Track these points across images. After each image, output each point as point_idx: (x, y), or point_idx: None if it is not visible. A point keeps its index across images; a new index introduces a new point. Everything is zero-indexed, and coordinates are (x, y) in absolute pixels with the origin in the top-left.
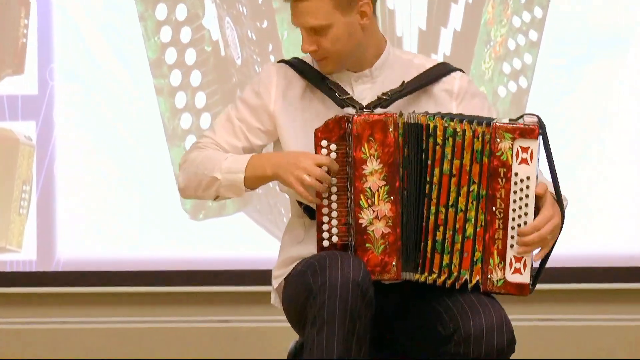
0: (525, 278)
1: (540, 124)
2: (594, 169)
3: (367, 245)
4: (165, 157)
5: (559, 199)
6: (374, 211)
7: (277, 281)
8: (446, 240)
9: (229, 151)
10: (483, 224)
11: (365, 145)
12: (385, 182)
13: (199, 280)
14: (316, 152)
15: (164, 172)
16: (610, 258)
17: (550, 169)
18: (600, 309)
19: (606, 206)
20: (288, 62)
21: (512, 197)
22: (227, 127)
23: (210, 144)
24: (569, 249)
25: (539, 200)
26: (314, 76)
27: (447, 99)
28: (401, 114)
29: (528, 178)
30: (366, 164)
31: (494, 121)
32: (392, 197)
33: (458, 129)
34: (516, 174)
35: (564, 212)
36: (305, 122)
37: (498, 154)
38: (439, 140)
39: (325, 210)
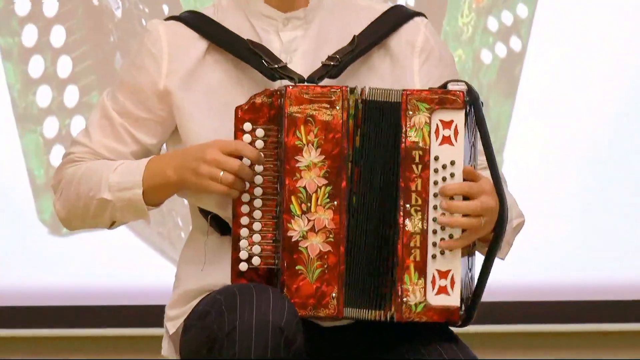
0: (454, 299)
1: (470, 91)
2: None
3: (297, 267)
4: (14, 146)
5: (499, 196)
6: (309, 220)
7: (173, 324)
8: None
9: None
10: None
11: (302, 128)
12: (326, 181)
13: (48, 319)
14: (236, 139)
15: (12, 167)
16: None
17: (486, 155)
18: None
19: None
20: (180, 19)
21: (432, 189)
22: (104, 127)
23: (86, 155)
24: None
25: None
26: (222, 35)
27: (407, 54)
28: (352, 90)
29: (452, 163)
30: (301, 155)
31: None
32: (335, 203)
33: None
34: (436, 159)
35: (505, 215)
36: (214, 101)
37: (411, 131)
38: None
39: (244, 220)
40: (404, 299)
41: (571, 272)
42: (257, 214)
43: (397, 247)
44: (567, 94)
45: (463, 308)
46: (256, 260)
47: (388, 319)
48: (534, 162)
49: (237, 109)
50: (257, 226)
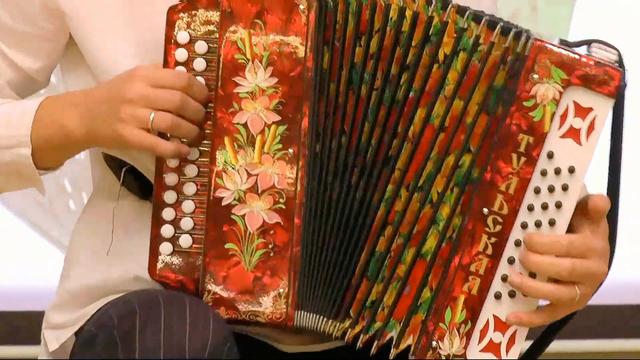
0: None
1: (622, 66)
2: None
3: (228, 246)
4: None
5: (612, 230)
6: (249, 175)
7: (56, 336)
8: (389, 256)
9: None
10: (455, 236)
11: (245, 34)
12: (279, 118)
13: None
14: (166, 60)
15: None
16: None
17: (610, 174)
18: None
19: None
20: None
21: (530, 199)
22: None
23: None
24: None
25: (582, 218)
26: None
27: None
28: None
29: (571, 171)
30: (242, 75)
31: (534, 36)
32: (290, 151)
33: (482, 39)
34: (550, 156)
35: (613, 257)
36: (132, 10)
37: (527, 104)
38: (443, 54)
39: (170, 179)
40: (433, 343)
41: None
42: (191, 170)
43: (436, 256)
44: None
45: None
46: (186, 241)
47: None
48: None
49: (170, 10)
50: (189, 189)
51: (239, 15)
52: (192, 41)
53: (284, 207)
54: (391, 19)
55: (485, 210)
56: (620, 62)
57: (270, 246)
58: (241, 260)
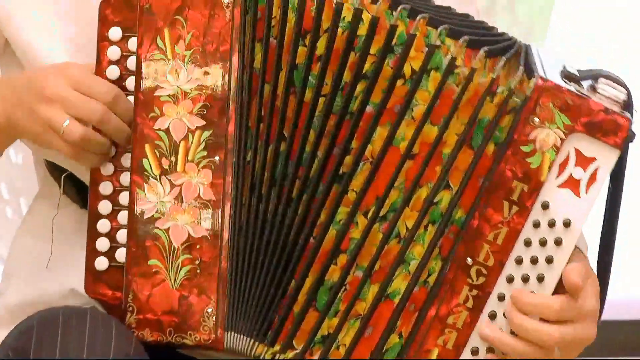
0: None
1: (630, 107)
2: None
3: (151, 262)
4: None
5: (602, 278)
6: (172, 186)
7: None
8: (344, 288)
9: None
10: (432, 282)
11: (166, 32)
12: (204, 122)
13: None
14: (99, 59)
15: None
16: None
17: (605, 227)
18: None
19: None
20: None
21: (519, 251)
22: None
23: None
24: None
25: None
26: None
27: None
28: None
29: (567, 225)
30: (164, 77)
31: (537, 73)
32: (216, 159)
33: (459, 62)
34: (545, 207)
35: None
36: (70, 9)
37: (525, 148)
38: (409, 68)
39: (104, 188)
40: None
41: None
42: (127, 177)
43: (407, 300)
44: None
45: None
46: (123, 255)
47: None
48: None
49: (102, 4)
50: (125, 198)
51: (158, 11)
52: (124, 38)
53: (210, 217)
54: (344, 19)
55: (470, 260)
56: (628, 101)
57: (196, 262)
58: (166, 278)
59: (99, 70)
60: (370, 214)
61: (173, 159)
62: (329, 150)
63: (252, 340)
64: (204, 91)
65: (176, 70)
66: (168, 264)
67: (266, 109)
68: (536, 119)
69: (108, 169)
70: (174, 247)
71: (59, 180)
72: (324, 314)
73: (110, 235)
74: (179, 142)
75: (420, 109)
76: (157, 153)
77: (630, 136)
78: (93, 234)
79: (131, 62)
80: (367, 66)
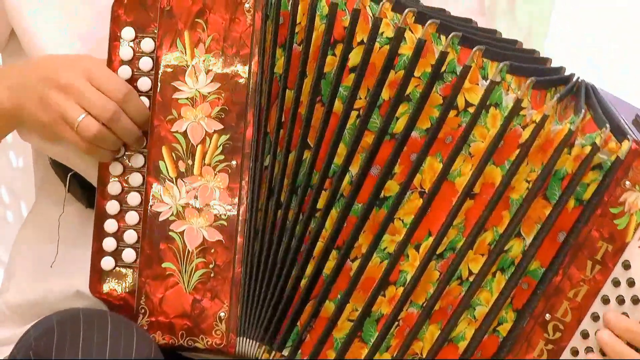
0: None
1: None
2: None
3: (165, 265)
4: None
5: None
6: (188, 189)
7: None
8: (396, 324)
9: None
10: (506, 334)
11: (186, 36)
12: (221, 126)
13: None
14: (110, 59)
15: None
16: None
17: None
18: None
19: None
20: None
21: (597, 307)
22: None
23: None
24: None
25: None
26: None
27: None
28: None
29: None
30: (182, 78)
31: (629, 135)
32: (234, 163)
33: (525, 103)
34: (627, 266)
35: None
36: (81, 6)
37: (614, 210)
38: (463, 100)
39: (113, 188)
40: None
41: None
42: (136, 178)
43: (475, 349)
44: None
45: None
46: (129, 255)
47: None
48: None
49: (115, 4)
50: (134, 199)
51: (178, 13)
52: (137, 38)
53: (225, 224)
54: (382, 34)
55: (548, 315)
56: None
57: (210, 266)
58: (179, 281)
59: (111, 69)
60: (422, 249)
61: (190, 162)
62: (365, 168)
63: (264, 347)
64: (222, 95)
65: (195, 73)
66: (182, 267)
67: (287, 115)
68: (627, 182)
69: (117, 169)
70: (189, 250)
71: (64, 179)
72: (374, 347)
73: (117, 236)
74: (196, 145)
75: (478, 146)
76: (174, 156)
77: None
78: (100, 234)
79: (143, 63)
80: (410, 88)
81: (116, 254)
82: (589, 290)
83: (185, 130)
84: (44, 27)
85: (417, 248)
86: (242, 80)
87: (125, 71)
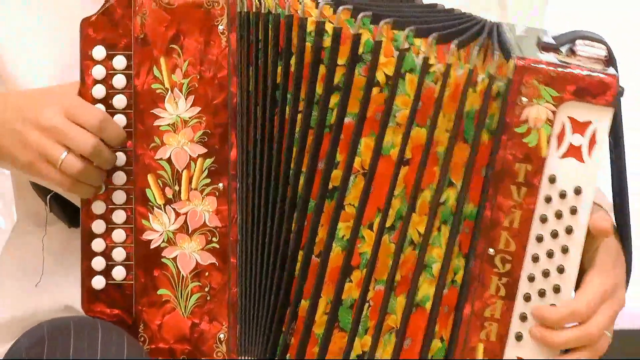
0: None
1: (612, 62)
2: None
3: (160, 292)
4: None
5: (624, 235)
6: (177, 215)
7: None
8: (367, 305)
9: None
10: (461, 281)
11: (162, 61)
12: (205, 150)
13: None
14: (83, 79)
15: None
16: None
17: (614, 169)
18: None
19: None
20: None
21: (538, 229)
22: None
23: None
24: None
25: (593, 244)
26: None
27: None
28: None
29: (577, 192)
30: (162, 105)
31: (514, 53)
32: (220, 186)
33: (432, 60)
34: (552, 180)
35: (630, 266)
36: (56, 27)
37: (519, 130)
38: (383, 75)
39: (97, 208)
40: None
41: None
42: (119, 196)
43: (439, 304)
44: None
45: None
46: (119, 273)
47: None
48: None
49: (83, 22)
50: (119, 216)
51: (153, 41)
52: (109, 56)
53: (217, 246)
54: (310, 33)
55: (492, 250)
56: (609, 56)
57: (206, 289)
58: (176, 307)
59: (84, 90)
60: (375, 226)
61: (177, 187)
62: (313, 165)
63: None
64: (203, 118)
65: (174, 99)
66: (178, 293)
67: (258, 131)
68: (524, 99)
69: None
70: (183, 276)
71: (44, 198)
72: (352, 333)
73: (106, 254)
74: (182, 170)
75: (403, 114)
76: (160, 183)
77: (620, 91)
78: (88, 253)
79: (117, 81)
80: (337, 78)
81: (106, 272)
82: (523, 214)
83: (170, 156)
84: (18, 52)
85: (370, 227)
86: (222, 103)
87: (99, 90)
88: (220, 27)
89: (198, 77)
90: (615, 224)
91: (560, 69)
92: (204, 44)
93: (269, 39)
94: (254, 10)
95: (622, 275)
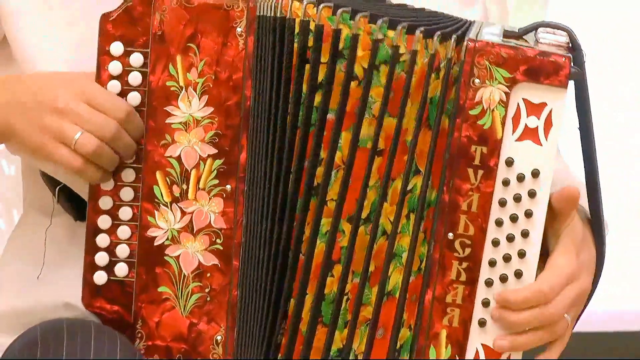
0: None
1: (575, 47)
2: None
3: (161, 289)
4: None
5: (595, 221)
6: (183, 213)
7: None
8: (347, 298)
9: None
10: (424, 267)
11: (178, 60)
12: (215, 150)
13: None
14: (99, 74)
15: None
16: None
17: (584, 152)
18: None
19: None
20: None
21: (497, 213)
22: None
23: None
24: None
25: (555, 222)
26: None
27: None
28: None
29: (535, 175)
30: (175, 104)
31: (469, 34)
32: (228, 187)
33: (402, 49)
34: (509, 163)
35: (604, 254)
36: (78, 15)
37: (473, 112)
38: (360, 69)
39: (104, 203)
40: None
41: None
42: (127, 193)
43: (407, 292)
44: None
45: None
46: (121, 270)
47: None
48: None
49: (102, 18)
50: (125, 213)
51: (170, 38)
52: (126, 53)
53: (221, 247)
54: (297, 34)
55: (451, 234)
56: (572, 43)
57: (206, 290)
58: (176, 305)
59: (100, 84)
60: (354, 220)
61: (184, 186)
62: (300, 164)
63: None
64: (216, 119)
65: (188, 98)
66: (178, 291)
67: (271, 136)
68: (477, 80)
69: (108, 184)
70: (184, 275)
71: (53, 190)
72: (332, 326)
73: (110, 250)
74: (191, 169)
75: (377, 106)
76: (168, 180)
77: (575, 72)
78: (92, 248)
79: (133, 78)
80: (321, 75)
81: (108, 268)
82: (481, 197)
83: (179, 154)
84: (39, 36)
85: (349, 221)
86: (235, 105)
87: (114, 86)
88: (239, 30)
89: (213, 77)
90: (587, 210)
91: (512, 50)
92: (221, 45)
93: (284, 44)
94: (271, 13)
95: (588, 260)
